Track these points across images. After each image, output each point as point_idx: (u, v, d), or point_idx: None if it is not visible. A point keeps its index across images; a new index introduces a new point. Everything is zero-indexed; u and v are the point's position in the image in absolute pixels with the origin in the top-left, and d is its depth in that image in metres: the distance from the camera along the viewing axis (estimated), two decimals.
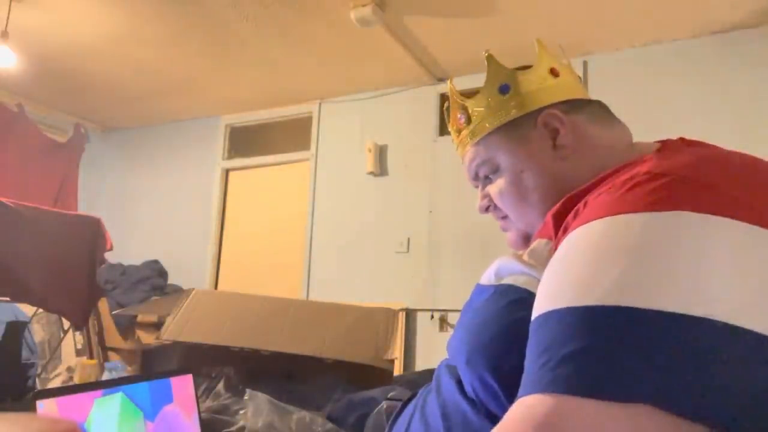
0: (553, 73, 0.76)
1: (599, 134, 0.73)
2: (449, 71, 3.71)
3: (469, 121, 0.79)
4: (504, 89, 0.76)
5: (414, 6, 2.98)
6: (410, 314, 3.54)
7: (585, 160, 0.71)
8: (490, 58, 0.78)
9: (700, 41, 3.16)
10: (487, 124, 0.76)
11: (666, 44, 3.23)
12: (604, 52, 3.36)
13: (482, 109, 0.77)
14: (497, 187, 0.77)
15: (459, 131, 0.81)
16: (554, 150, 0.72)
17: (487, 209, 0.81)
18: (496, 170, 0.77)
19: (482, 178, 0.80)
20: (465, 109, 0.79)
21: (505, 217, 0.79)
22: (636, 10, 2.94)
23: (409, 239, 3.69)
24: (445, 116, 0.86)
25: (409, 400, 0.81)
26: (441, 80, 3.80)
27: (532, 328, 0.46)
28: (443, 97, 3.81)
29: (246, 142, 4.56)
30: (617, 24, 3.10)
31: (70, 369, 2.67)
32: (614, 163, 0.58)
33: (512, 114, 0.75)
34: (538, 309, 0.46)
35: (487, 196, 0.80)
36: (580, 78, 0.81)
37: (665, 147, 0.62)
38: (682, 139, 0.63)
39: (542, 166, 0.73)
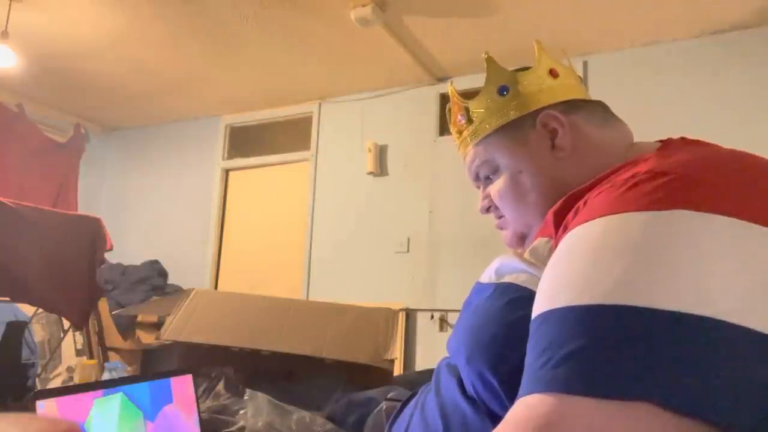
0: (552, 74, 0.76)
1: (599, 134, 0.73)
2: (449, 71, 3.71)
3: (469, 122, 0.79)
4: (503, 90, 0.76)
5: (414, 6, 2.98)
6: (410, 314, 3.54)
7: (584, 161, 0.71)
8: (489, 59, 0.78)
9: (700, 41, 3.16)
10: (486, 125, 0.77)
11: (666, 44, 3.23)
12: (604, 52, 3.36)
13: (482, 110, 0.78)
14: (496, 187, 0.77)
15: (460, 132, 0.82)
16: (553, 150, 0.72)
17: (488, 210, 0.81)
18: (495, 171, 0.77)
19: (483, 178, 0.80)
20: (465, 110, 0.80)
21: (503, 216, 0.80)
22: (636, 10, 2.94)
23: (409, 239, 3.69)
24: (447, 117, 0.87)
25: (409, 399, 0.81)
26: (441, 80, 3.79)
27: (532, 327, 0.46)
28: (443, 97, 3.81)
29: (246, 142, 4.56)
30: (617, 24, 3.10)
31: (70, 369, 2.67)
32: (614, 163, 0.58)
33: (511, 115, 0.75)
34: (538, 308, 0.46)
35: (487, 196, 0.80)
36: (580, 78, 0.81)
37: (666, 146, 0.62)
38: (683, 139, 0.62)
39: (540, 167, 0.73)
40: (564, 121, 0.72)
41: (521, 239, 0.77)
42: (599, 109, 0.76)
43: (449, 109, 0.85)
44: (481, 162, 0.78)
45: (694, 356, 0.36)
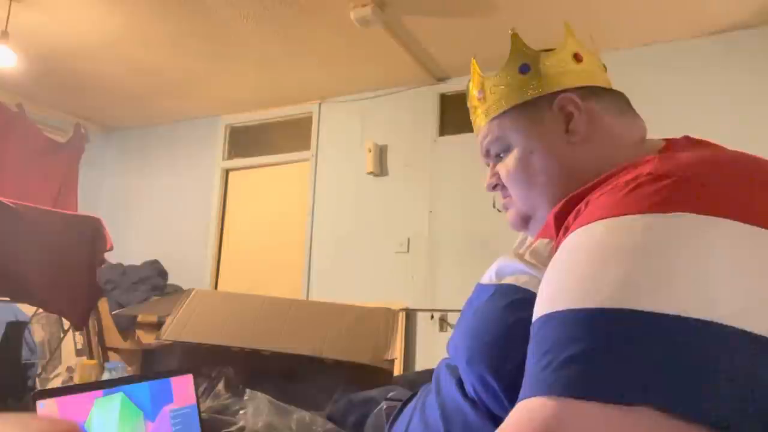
0: (577, 58, 0.75)
1: (614, 124, 0.72)
2: (449, 71, 3.71)
3: (486, 98, 0.78)
4: (524, 69, 0.75)
5: (414, 6, 2.98)
6: (410, 314, 3.54)
7: (595, 149, 0.70)
8: (515, 36, 0.77)
9: (700, 41, 3.15)
10: (503, 102, 0.76)
11: (666, 44, 3.23)
12: (604, 51, 3.34)
13: (502, 87, 0.77)
14: (506, 166, 0.76)
15: (476, 108, 0.81)
16: (566, 134, 0.71)
17: (494, 188, 0.80)
18: (507, 149, 0.76)
19: (493, 155, 0.79)
20: (484, 85, 0.79)
21: (509, 196, 0.79)
22: (636, 10, 2.94)
23: (409, 239, 3.69)
24: (466, 92, 0.85)
25: (409, 399, 0.81)
26: (441, 80, 3.79)
27: (533, 330, 0.45)
28: (443, 97, 3.81)
29: (246, 142, 4.56)
30: (617, 24, 3.10)
31: (70, 369, 2.67)
32: (622, 158, 0.58)
33: (529, 94, 0.74)
34: (539, 311, 0.45)
35: (495, 174, 0.79)
36: (605, 67, 0.81)
37: (669, 146, 0.62)
38: (687, 138, 0.62)
39: (552, 149, 0.72)
40: (581, 107, 0.72)
41: (525, 220, 0.76)
42: (619, 100, 0.76)
43: (468, 82, 0.84)
44: (494, 138, 0.77)
45: (696, 360, 0.36)
